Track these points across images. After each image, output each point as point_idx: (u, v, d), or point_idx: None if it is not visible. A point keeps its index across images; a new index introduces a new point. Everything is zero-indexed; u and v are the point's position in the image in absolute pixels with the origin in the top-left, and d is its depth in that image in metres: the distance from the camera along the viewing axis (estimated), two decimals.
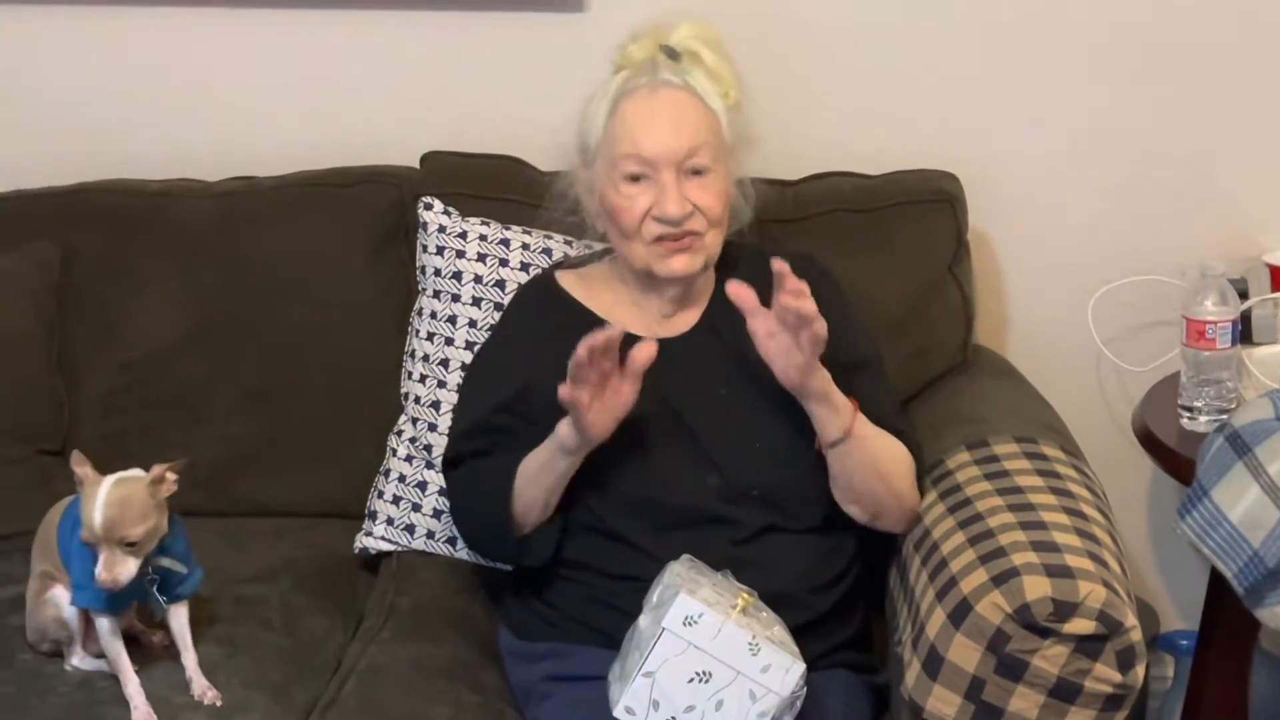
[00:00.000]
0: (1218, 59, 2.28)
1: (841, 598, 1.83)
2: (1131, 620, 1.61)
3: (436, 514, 2.10)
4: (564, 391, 1.71)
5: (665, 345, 1.86)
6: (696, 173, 1.83)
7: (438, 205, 2.17)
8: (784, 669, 1.60)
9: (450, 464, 1.94)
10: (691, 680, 1.60)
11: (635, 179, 1.83)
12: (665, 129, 1.82)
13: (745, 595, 1.67)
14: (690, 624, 1.60)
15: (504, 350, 1.94)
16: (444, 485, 2.01)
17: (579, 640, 1.82)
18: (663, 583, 1.69)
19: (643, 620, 1.67)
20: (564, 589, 1.85)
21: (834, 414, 1.77)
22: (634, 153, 1.82)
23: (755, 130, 1.92)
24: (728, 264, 1.90)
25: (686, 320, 1.92)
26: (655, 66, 1.86)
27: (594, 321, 1.88)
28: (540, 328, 1.91)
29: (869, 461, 1.79)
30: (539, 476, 1.82)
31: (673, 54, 1.86)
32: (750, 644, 1.60)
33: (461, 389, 2.00)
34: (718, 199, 1.84)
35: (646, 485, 1.82)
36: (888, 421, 1.85)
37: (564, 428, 1.77)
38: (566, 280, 1.97)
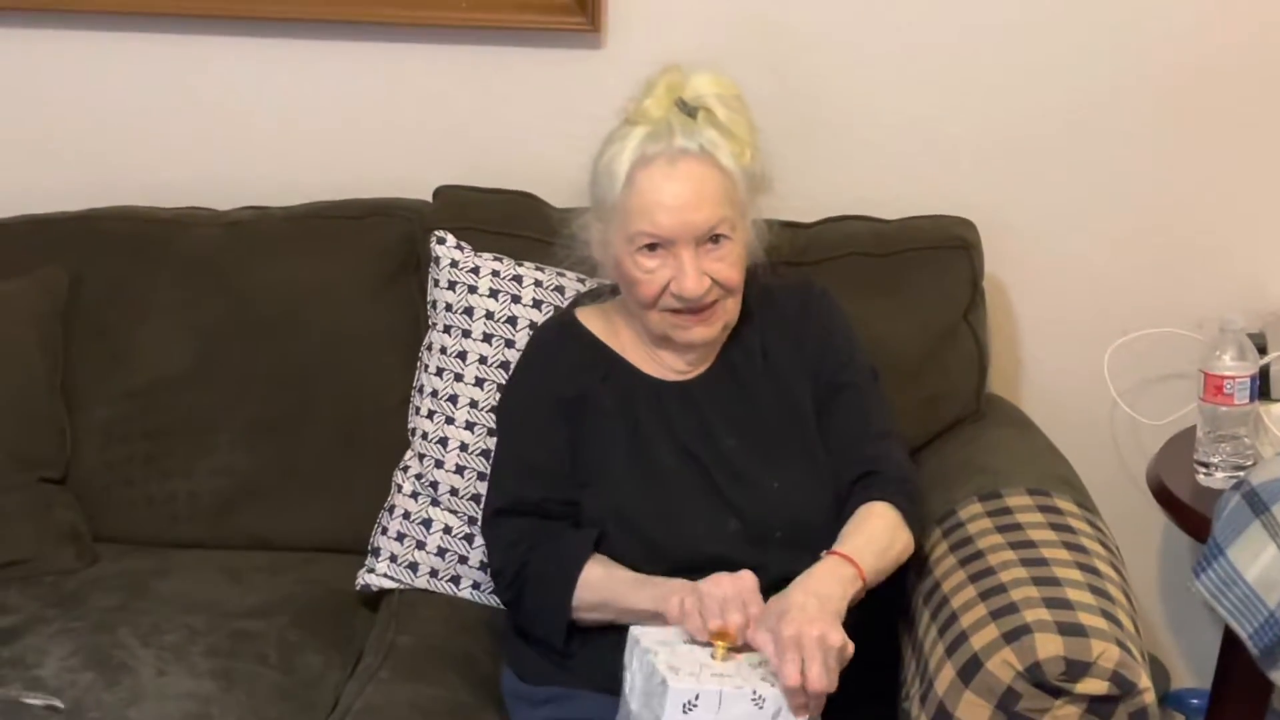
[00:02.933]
0: (1236, 112, 2.28)
1: (863, 641, 1.79)
2: (1145, 682, 1.59)
3: (440, 552, 2.07)
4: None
5: (682, 388, 1.88)
6: (715, 240, 1.81)
7: (450, 240, 2.15)
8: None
9: (501, 512, 1.88)
10: None
11: (653, 249, 1.81)
12: (684, 207, 1.79)
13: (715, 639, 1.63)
14: (690, 709, 1.56)
15: (537, 392, 1.91)
16: (460, 517, 2.01)
17: (583, 685, 1.79)
18: (635, 660, 1.64)
19: (635, 705, 1.63)
20: (574, 633, 1.82)
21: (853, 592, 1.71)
22: (652, 231, 1.80)
23: (771, 174, 1.91)
24: (744, 302, 1.89)
25: (703, 361, 1.91)
26: (671, 128, 1.82)
27: (613, 360, 1.90)
28: (564, 365, 1.90)
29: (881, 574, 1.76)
30: (621, 611, 1.77)
31: (689, 110, 1.83)
32: (754, 699, 1.57)
33: (500, 429, 1.95)
34: (736, 268, 1.83)
35: (668, 534, 1.80)
36: (869, 445, 1.84)
37: (673, 607, 1.68)
38: (586, 316, 1.96)
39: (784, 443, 1.84)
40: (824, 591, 1.65)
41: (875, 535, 1.76)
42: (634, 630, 1.67)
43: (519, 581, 1.84)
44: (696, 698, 1.56)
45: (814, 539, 1.79)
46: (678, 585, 1.72)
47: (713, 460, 1.85)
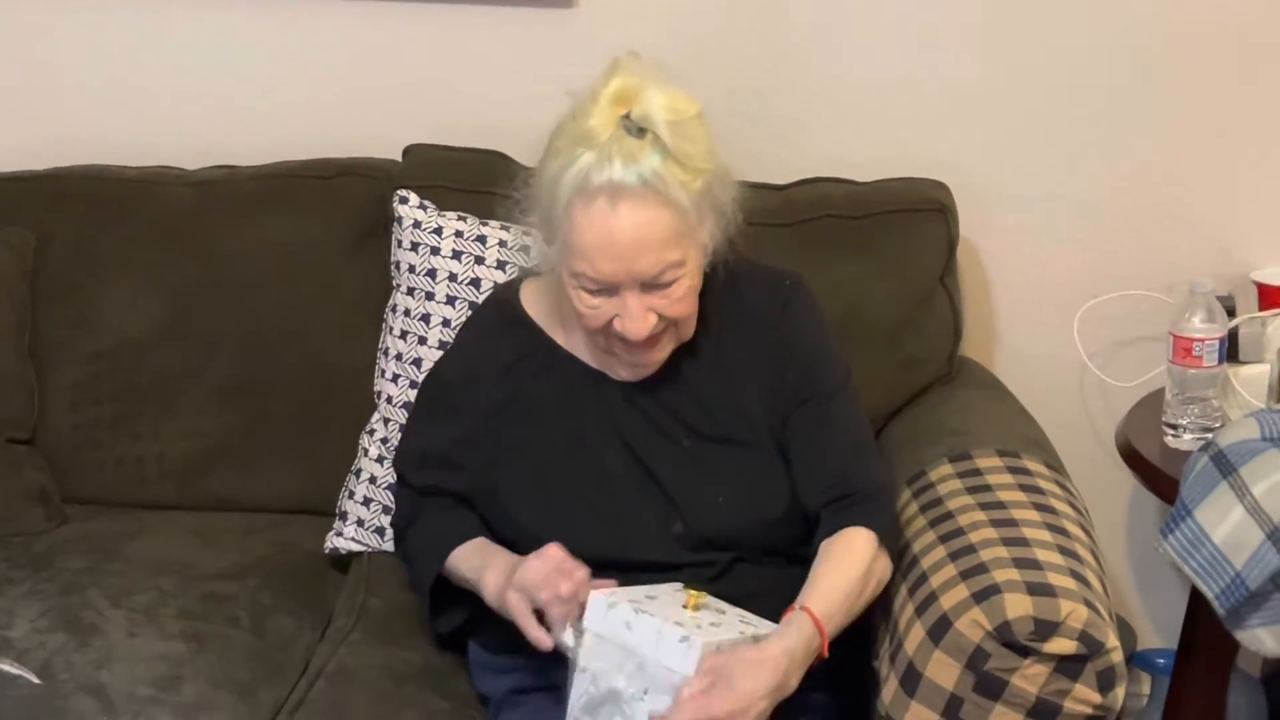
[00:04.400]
0: (1210, 77, 2.27)
1: None
2: (1113, 641, 1.59)
3: None
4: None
5: (628, 387, 1.81)
6: (662, 284, 1.70)
7: (413, 199, 2.13)
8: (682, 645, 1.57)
9: (400, 478, 1.90)
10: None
11: (596, 292, 1.71)
12: (625, 257, 1.66)
13: (692, 595, 1.65)
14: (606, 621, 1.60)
15: (463, 374, 1.87)
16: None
17: (544, 654, 1.75)
18: (615, 625, 1.62)
19: (623, 680, 1.61)
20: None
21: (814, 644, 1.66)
22: (594, 276, 1.68)
23: (730, 180, 1.75)
24: (703, 295, 1.79)
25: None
26: (611, 157, 1.65)
27: (553, 352, 1.83)
28: (500, 353, 1.85)
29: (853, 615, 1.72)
30: (462, 579, 1.79)
31: (635, 130, 1.67)
32: (659, 631, 1.58)
33: (417, 404, 1.93)
34: (685, 300, 1.72)
35: (611, 535, 1.76)
36: (842, 463, 1.77)
37: (490, 586, 1.71)
38: (531, 297, 1.88)
39: (737, 451, 1.79)
40: (769, 658, 1.60)
41: (841, 582, 1.68)
42: (596, 599, 1.64)
43: (401, 546, 1.89)
44: (718, 647, 1.58)
45: (756, 549, 1.77)
46: (494, 559, 1.73)
47: (660, 460, 1.79)
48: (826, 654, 1.65)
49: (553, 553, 1.67)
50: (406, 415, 2.05)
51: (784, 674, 1.60)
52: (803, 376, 1.80)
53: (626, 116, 1.68)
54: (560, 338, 1.85)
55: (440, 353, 2.04)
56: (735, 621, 1.64)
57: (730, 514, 1.77)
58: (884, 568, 1.72)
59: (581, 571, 1.65)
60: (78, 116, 2.37)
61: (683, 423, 1.81)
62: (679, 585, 1.70)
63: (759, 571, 1.77)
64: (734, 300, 1.83)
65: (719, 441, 1.80)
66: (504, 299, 1.91)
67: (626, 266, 1.67)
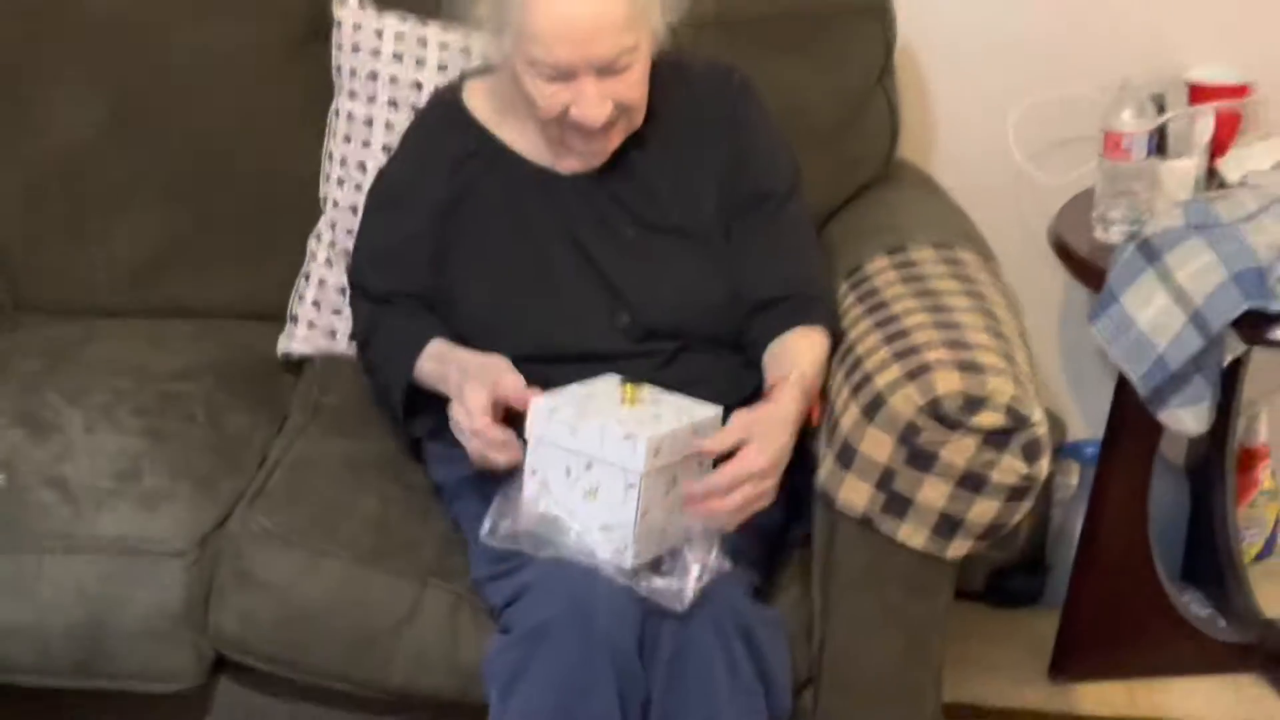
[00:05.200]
0: None
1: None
2: (1038, 415, 1.65)
3: None
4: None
5: (575, 181, 1.83)
6: (617, 68, 1.72)
7: (352, 1, 2.12)
8: (627, 442, 1.61)
9: (356, 288, 1.92)
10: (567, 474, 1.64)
11: (553, 79, 1.72)
12: (584, 40, 1.68)
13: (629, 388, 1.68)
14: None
15: (410, 175, 1.89)
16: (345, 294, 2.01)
17: None
18: (561, 433, 1.66)
19: (574, 490, 1.66)
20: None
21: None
22: (551, 62, 1.70)
23: None
24: (649, 87, 1.81)
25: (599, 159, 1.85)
26: None
27: (500, 150, 1.85)
28: (446, 153, 1.87)
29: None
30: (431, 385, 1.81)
31: None
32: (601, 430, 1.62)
33: (366, 207, 1.95)
34: (639, 86, 1.75)
35: (554, 326, 1.80)
36: (795, 265, 1.83)
37: (454, 385, 1.73)
38: (475, 96, 1.89)
39: (684, 242, 1.83)
40: (790, 417, 1.68)
41: (820, 360, 1.77)
42: (537, 405, 1.67)
43: (367, 353, 1.91)
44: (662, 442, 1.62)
45: (701, 338, 1.82)
46: (453, 364, 1.75)
47: (606, 252, 1.82)
48: (817, 420, 1.72)
49: (472, 402, 1.68)
50: (353, 218, 2.08)
51: (794, 433, 1.68)
52: (760, 174, 1.85)
53: None
54: (506, 135, 1.87)
55: (385, 156, 2.05)
56: (674, 410, 1.68)
57: (674, 303, 1.82)
58: (828, 349, 1.81)
59: (510, 377, 1.69)
60: None
61: (629, 213, 1.84)
62: (615, 377, 1.73)
63: (702, 359, 1.83)
64: (683, 92, 1.85)
65: (665, 232, 1.84)
66: (448, 100, 1.92)
67: (584, 51, 1.69)
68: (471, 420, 1.69)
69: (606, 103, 1.74)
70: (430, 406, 1.84)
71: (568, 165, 1.85)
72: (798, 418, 1.70)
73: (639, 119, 1.81)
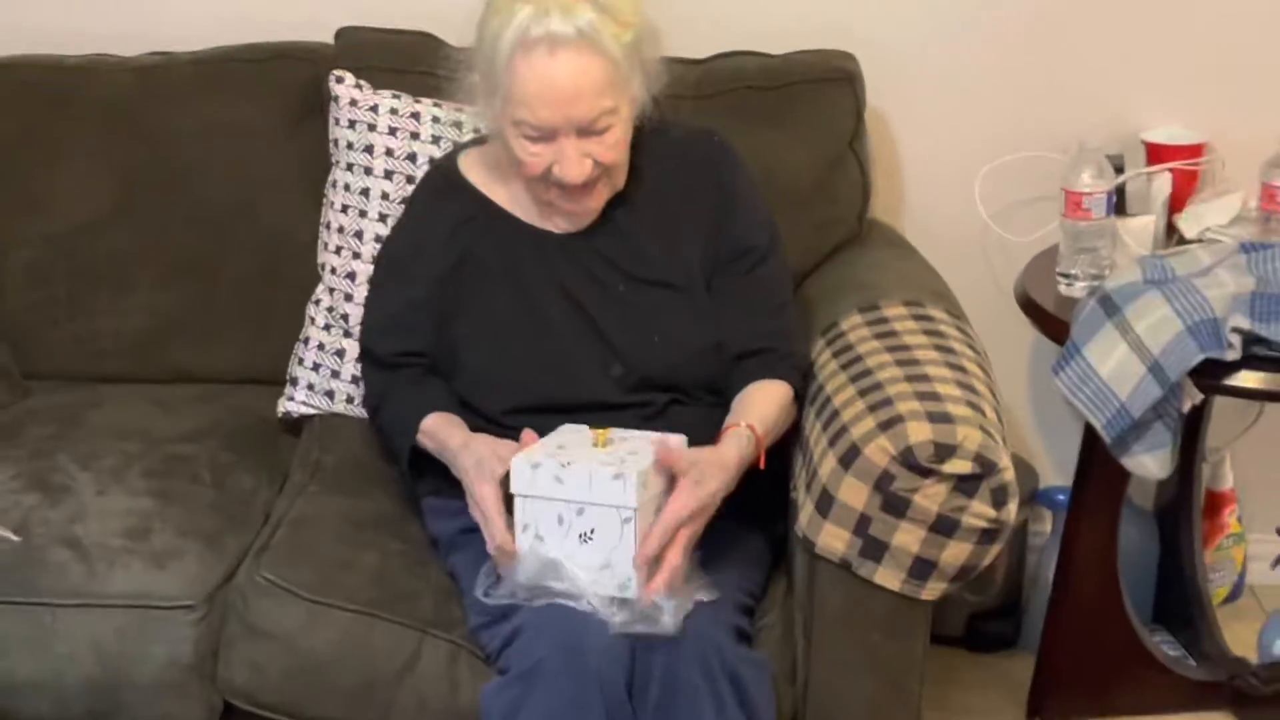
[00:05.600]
0: None
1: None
2: (1005, 462, 1.73)
3: (355, 380, 2.17)
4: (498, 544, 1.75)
5: (567, 240, 1.93)
6: (597, 130, 1.82)
7: (349, 79, 2.22)
8: (617, 481, 1.68)
9: (366, 355, 2.02)
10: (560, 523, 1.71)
11: (536, 139, 1.83)
12: (564, 101, 1.79)
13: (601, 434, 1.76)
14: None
15: (413, 244, 1.99)
16: (359, 362, 2.10)
17: None
18: (548, 481, 1.73)
19: (561, 539, 1.73)
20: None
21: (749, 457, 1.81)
22: (534, 122, 1.81)
23: (658, 37, 1.88)
24: (634, 150, 1.92)
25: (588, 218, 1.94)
26: (548, 10, 1.78)
27: (495, 213, 1.95)
28: (445, 219, 1.97)
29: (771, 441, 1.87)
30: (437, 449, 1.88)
31: None
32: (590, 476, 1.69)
33: (373, 280, 2.06)
34: (618, 148, 1.85)
35: (551, 379, 1.88)
36: (769, 320, 1.93)
37: (465, 464, 1.81)
38: (470, 165, 2.00)
39: (671, 295, 1.93)
40: (729, 463, 1.77)
41: (772, 413, 1.86)
42: (518, 462, 1.74)
43: (377, 420, 2.00)
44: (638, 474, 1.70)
45: (691, 385, 1.92)
46: (462, 461, 1.82)
47: (598, 306, 1.91)
48: (764, 465, 1.81)
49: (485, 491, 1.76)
50: (350, 285, 2.16)
51: (732, 478, 1.77)
52: (740, 231, 1.95)
53: None
54: (500, 199, 1.97)
55: (380, 224, 2.15)
56: (644, 444, 1.77)
57: (665, 352, 1.91)
58: (792, 414, 1.91)
59: (505, 450, 1.77)
60: (6, 5, 2.38)
61: (619, 269, 1.93)
62: (579, 427, 1.81)
63: (691, 410, 1.92)
64: (666, 155, 1.95)
65: (654, 285, 1.93)
66: (444, 168, 2.03)
67: (565, 111, 1.80)
68: (490, 526, 1.76)
69: (586, 161, 1.83)
70: (433, 468, 1.92)
71: (557, 225, 1.94)
72: (739, 464, 1.79)
73: (620, 179, 1.91)
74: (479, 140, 2.05)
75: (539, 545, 1.73)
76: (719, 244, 1.95)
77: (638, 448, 1.76)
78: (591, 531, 1.71)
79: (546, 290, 1.93)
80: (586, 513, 1.71)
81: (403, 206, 2.12)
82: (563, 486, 1.71)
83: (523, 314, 1.93)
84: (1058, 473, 2.58)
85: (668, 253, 1.94)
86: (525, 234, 1.95)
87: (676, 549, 1.72)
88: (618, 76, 1.82)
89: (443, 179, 2.02)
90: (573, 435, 1.80)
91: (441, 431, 1.89)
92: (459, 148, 2.07)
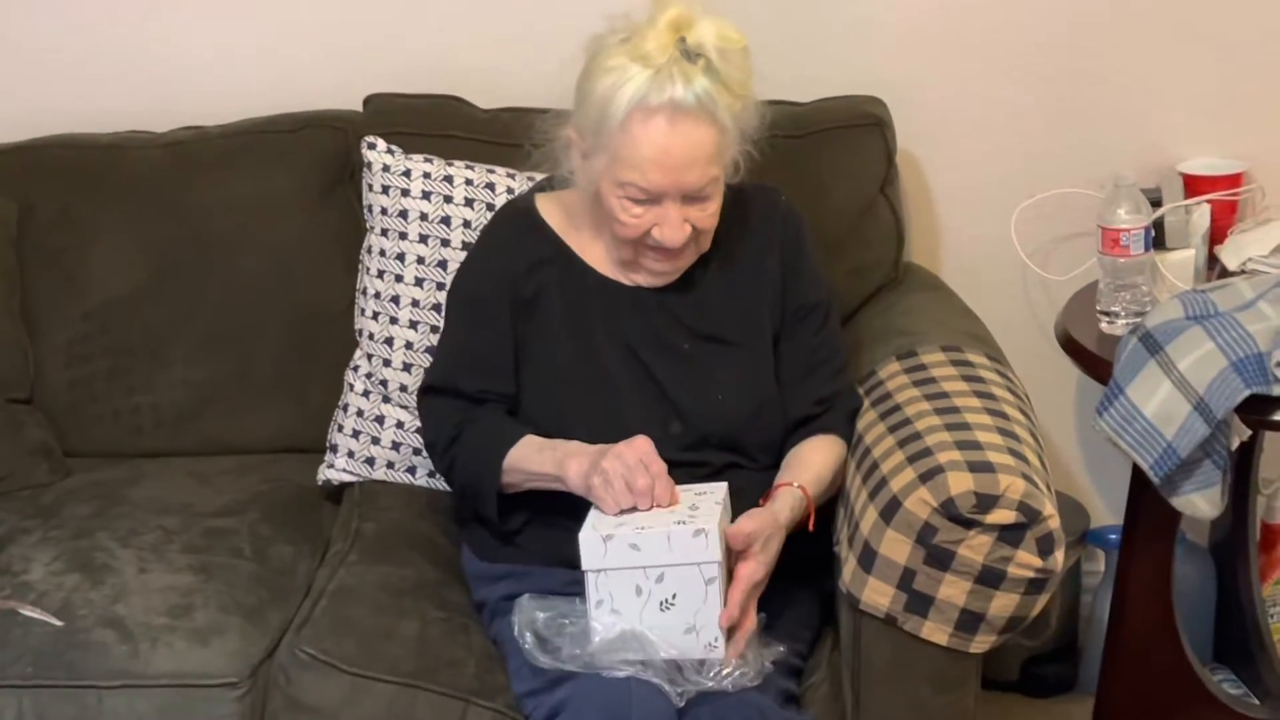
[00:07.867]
0: None
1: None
2: (1049, 509, 1.70)
3: (395, 446, 2.17)
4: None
5: (637, 293, 1.94)
6: (701, 196, 1.84)
7: (381, 145, 2.23)
8: (698, 538, 1.68)
9: (433, 390, 1.97)
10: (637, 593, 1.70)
11: (641, 202, 1.84)
12: (678, 168, 1.80)
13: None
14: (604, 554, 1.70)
15: (491, 279, 1.95)
16: (411, 412, 2.09)
17: (535, 560, 1.90)
18: (621, 552, 1.72)
19: (642, 612, 1.72)
20: (524, 517, 1.92)
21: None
22: (644, 185, 1.81)
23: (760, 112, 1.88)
24: None
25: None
26: (672, 77, 1.79)
27: (570, 258, 1.95)
28: (522, 256, 1.95)
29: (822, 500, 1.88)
30: (528, 475, 1.87)
31: (690, 55, 1.80)
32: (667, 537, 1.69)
33: (449, 314, 2.01)
34: (716, 214, 1.87)
35: (613, 434, 1.85)
36: (831, 383, 1.94)
37: (573, 473, 1.80)
38: (548, 208, 1.99)
39: (735, 352, 1.93)
40: (782, 523, 1.79)
41: (826, 474, 1.87)
42: (585, 538, 1.72)
43: (453, 449, 1.93)
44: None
45: (751, 446, 1.91)
46: (574, 449, 1.82)
47: (661, 364, 1.91)
48: (812, 528, 1.81)
49: (640, 444, 1.78)
50: (389, 350, 2.16)
51: (783, 538, 1.78)
52: (806, 288, 1.96)
53: (682, 41, 1.81)
54: (575, 245, 1.97)
55: (417, 289, 2.15)
56: (698, 498, 1.76)
57: (727, 410, 1.91)
58: (844, 471, 1.91)
59: (656, 466, 1.77)
60: (42, 89, 2.42)
61: (685, 326, 1.94)
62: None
63: (748, 474, 1.90)
64: (737, 213, 1.96)
65: (720, 342, 1.93)
66: (521, 208, 2.02)
67: (676, 178, 1.81)
68: (633, 448, 1.76)
69: (686, 226, 1.85)
70: (482, 528, 1.91)
71: (633, 279, 1.94)
72: (789, 525, 1.80)
73: (708, 243, 1.92)
74: (547, 185, 2.03)
75: (618, 620, 1.71)
76: (784, 301, 1.96)
77: (696, 503, 1.75)
78: (674, 597, 1.70)
79: (611, 343, 1.92)
80: (666, 578, 1.70)
81: (439, 269, 2.12)
82: (640, 554, 1.70)
83: (583, 364, 1.92)
84: (1110, 511, 2.55)
85: (736, 309, 1.95)
86: (596, 283, 1.95)
87: (751, 612, 1.73)
88: (725, 145, 1.84)
89: (523, 217, 2.00)
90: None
91: (549, 449, 1.86)
92: (534, 189, 2.06)
